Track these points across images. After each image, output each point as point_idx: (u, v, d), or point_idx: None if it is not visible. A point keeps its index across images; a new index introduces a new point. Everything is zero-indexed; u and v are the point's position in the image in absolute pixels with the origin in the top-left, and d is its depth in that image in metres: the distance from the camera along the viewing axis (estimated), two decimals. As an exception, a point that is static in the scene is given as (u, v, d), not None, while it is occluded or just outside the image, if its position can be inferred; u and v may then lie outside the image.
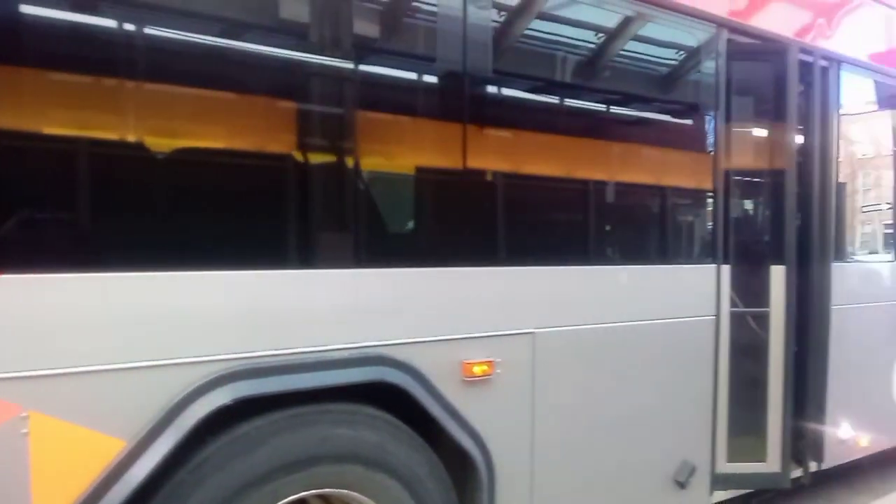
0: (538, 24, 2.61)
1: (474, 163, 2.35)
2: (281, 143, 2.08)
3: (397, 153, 2.29)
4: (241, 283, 1.88)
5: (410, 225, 2.41)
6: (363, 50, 2.19)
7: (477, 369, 2.32)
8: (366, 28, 2.20)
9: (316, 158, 2.11)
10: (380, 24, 2.25)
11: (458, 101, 2.35)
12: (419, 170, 2.35)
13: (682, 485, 2.92)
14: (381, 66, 2.28)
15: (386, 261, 2.18)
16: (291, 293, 1.97)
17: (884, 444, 4.11)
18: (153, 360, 1.73)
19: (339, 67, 2.14)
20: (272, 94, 2.06)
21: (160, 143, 1.83)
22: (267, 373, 1.89)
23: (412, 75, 2.35)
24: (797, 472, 3.54)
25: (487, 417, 2.35)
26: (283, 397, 1.91)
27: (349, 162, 2.15)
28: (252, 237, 1.98)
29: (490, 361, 2.36)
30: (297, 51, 2.09)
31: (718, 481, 3.14)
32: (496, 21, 2.40)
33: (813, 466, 3.60)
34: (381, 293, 2.13)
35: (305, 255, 2.07)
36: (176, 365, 1.76)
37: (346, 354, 2.03)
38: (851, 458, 3.89)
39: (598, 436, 2.70)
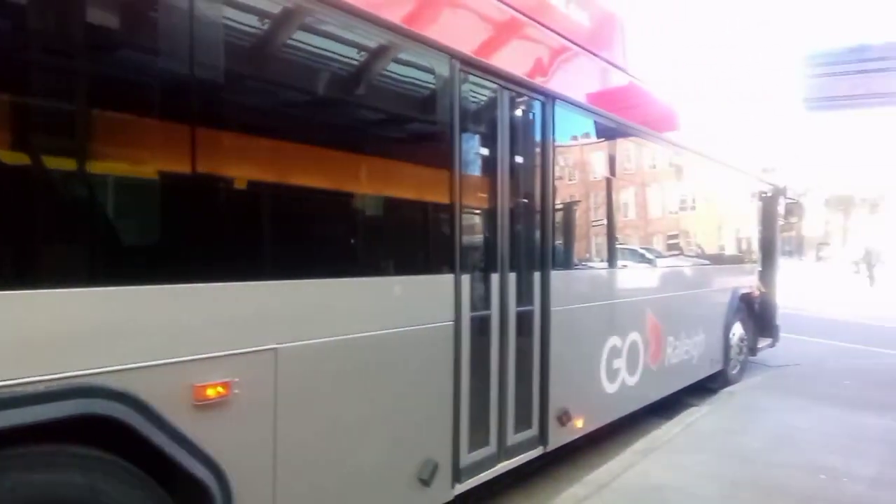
0: (280, 33, 2.59)
1: (204, 170, 2.23)
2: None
3: (116, 157, 2.07)
4: None
5: (129, 237, 2.18)
6: (77, 41, 1.96)
7: (210, 392, 2.21)
8: (84, 17, 1.97)
9: (9, 162, 1.82)
10: (101, 15, 2.03)
11: (189, 103, 2.21)
12: (137, 176, 2.14)
13: (426, 482, 3.10)
14: (95, 60, 2.05)
15: (96, 279, 1.96)
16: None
17: (598, 423, 4.86)
18: None
19: (46, 60, 1.88)
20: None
21: None
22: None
23: (135, 72, 2.14)
24: (529, 454, 4.02)
25: (225, 441, 2.25)
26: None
27: (47, 163, 1.90)
28: None
29: (226, 382, 2.26)
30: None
31: (461, 473, 3.41)
32: (230, 21, 2.33)
33: (539, 449, 4.11)
34: (90, 315, 1.91)
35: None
36: None
37: (42, 388, 1.78)
38: (573, 438, 4.52)
39: (343, 446, 2.74)
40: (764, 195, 8.73)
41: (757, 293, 8.41)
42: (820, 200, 37.55)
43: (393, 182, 3.11)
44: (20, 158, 1.86)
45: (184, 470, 2.11)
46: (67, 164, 1.96)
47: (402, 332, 3.00)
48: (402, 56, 3.09)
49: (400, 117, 3.21)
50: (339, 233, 2.89)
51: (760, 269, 8.65)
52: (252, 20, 2.47)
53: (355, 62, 2.91)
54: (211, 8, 2.24)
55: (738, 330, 7.73)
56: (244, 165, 2.43)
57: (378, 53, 2.98)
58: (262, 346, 2.39)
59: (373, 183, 3.02)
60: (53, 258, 1.91)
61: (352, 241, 2.96)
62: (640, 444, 5.03)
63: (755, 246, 8.53)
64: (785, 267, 10.09)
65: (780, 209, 9.21)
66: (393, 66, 3.09)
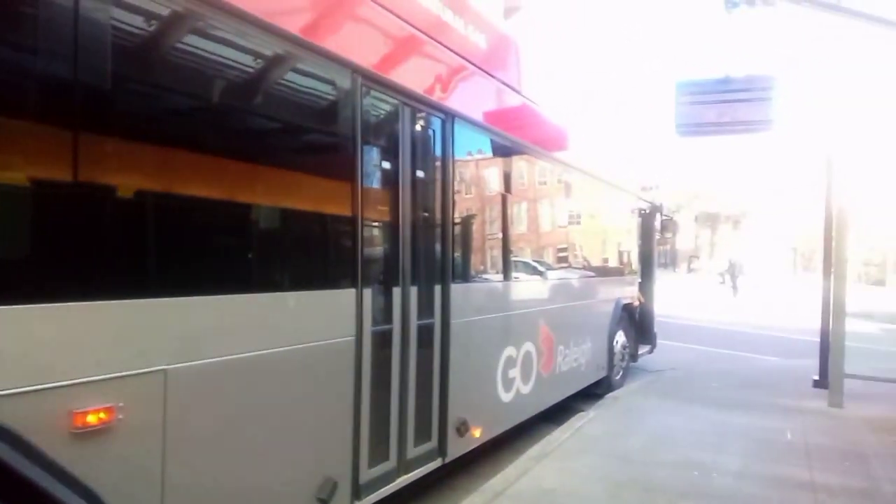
0: (184, 41, 2.48)
1: (86, 178, 2.08)
2: None
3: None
4: None
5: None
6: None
7: (91, 418, 2.05)
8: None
9: None
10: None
11: (70, 108, 2.05)
12: (15, 184, 1.97)
13: (324, 502, 3.04)
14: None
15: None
16: None
17: (495, 431, 4.99)
18: None
19: None
20: None
21: None
22: None
23: (10, 71, 1.96)
24: (428, 467, 4.05)
25: (108, 470, 2.10)
26: None
27: None
28: None
29: (110, 407, 2.11)
30: None
31: (360, 490, 3.37)
32: (122, 26, 2.20)
33: (438, 461, 4.15)
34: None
35: None
36: None
37: None
38: (470, 448, 4.61)
39: (238, 470, 2.64)
40: (643, 212, 9.42)
41: (637, 303, 9.03)
42: (691, 217, 41.13)
43: (293, 195, 3.04)
44: None
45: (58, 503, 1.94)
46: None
47: (301, 349, 2.94)
48: (305, 68, 3.06)
49: (301, 129, 3.16)
50: (235, 247, 2.78)
51: (640, 280, 9.30)
52: (148, 25, 2.34)
53: (257, 73, 2.83)
54: (101, 11, 2.10)
55: (620, 338, 8.25)
56: (131, 174, 2.28)
57: (280, 65, 2.92)
58: (150, 368, 2.25)
59: (272, 195, 2.93)
60: None
61: (249, 255, 2.86)
62: (534, 451, 5.21)
63: (635, 259, 9.17)
64: (661, 278, 10.91)
65: (657, 225, 9.99)
66: (296, 78, 3.04)
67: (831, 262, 7.83)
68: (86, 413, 2.03)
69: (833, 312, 7.45)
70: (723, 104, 7.53)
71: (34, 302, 1.93)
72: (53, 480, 1.91)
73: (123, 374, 2.16)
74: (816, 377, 8.01)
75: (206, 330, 2.49)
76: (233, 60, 2.69)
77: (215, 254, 2.67)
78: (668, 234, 10.65)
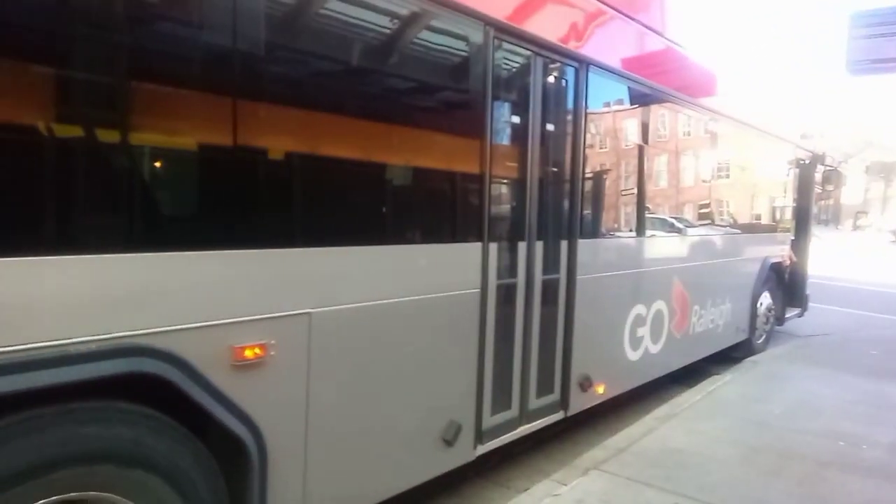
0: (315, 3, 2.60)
1: (243, 141, 2.30)
2: (19, 113, 1.83)
3: (157, 127, 2.14)
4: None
5: (170, 206, 2.27)
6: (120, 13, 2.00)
7: (248, 353, 2.31)
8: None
9: (55, 131, 1.89)
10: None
11: (228, 74, 2.26)
12: (180, 147, 2.21)
13: (449, 443, 3.22)
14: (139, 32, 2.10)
15: (141, 245, 2.05)
16: (26, 282, 1.78)
17: (619, 389, 4.92)
18: None
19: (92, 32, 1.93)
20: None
21: None
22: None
23: (175, 43, 2.18)
24: (550, 418, 4.11)
25: (261, 400, 2.37)
26: (24, 398, 1.74)
27: (95, 134, 1.98)
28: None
29: (263, 344, 2.36)
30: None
31: (483, 435, 3.52)
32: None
33: (560, 414, 4.20)
34: (136, 279, 2.01)
35: (44, 240, 1.86)
36: None
37: (94, 347, 1.90)
38: (594, 404, 4.60)
39: (371, 407, 2.86)
40: (801, 162, 8.50)
41: (788, 262, 8.29)
42: (860, 167, 36.22)
43: (424, 151, 3.13)
44: (65, 130, 1.94)
45: (223, 427, 2.23)
46: (108, 137, 2.04)
47: (429, 299, 3.08)
48: (437, 24, 3.06)
49: (434, 87, 3.20)
50: (369, 202, 2.95)
51: (793, 238, 8.50)
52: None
53: (389, 30, 2.89)
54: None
55: (766, 299, 7.66)
56: (284, 138, 2.49)
57: (415, 23, 2.96)
58: (297, 311, 2.48)
59: (401, 153, 3.03)
60: (101, 227, 2.00)
61: (382, 209, 3.01)
62: (661, 411, 5.09)
63: (789, 214, 8.37)
64: (820, 236, 9.88)
65: (818, 177, 8.98)
66: (429, 36, 3.06)
67: None
68: (244, 348, 2.29)
69: None
70: (907, 37, 6.48)
71: (204, 249, 2.18)
72: (217, 405, 2.20)
73: (274, 315, 2.40)
74: None
75: (346, 278, 2.69)
76: (363, 20, 2.75)
77: (355, 209, 2.84)
78: (830, 187, 9.53)
